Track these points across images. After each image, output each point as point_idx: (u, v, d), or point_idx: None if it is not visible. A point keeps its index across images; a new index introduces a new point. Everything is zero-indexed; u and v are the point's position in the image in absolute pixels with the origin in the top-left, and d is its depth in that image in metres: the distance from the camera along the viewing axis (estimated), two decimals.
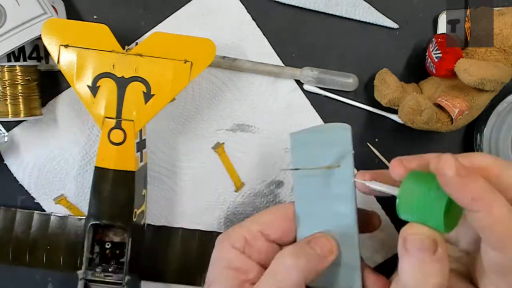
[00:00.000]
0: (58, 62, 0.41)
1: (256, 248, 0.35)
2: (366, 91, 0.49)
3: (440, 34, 0.46)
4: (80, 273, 0.42)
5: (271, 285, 0.32)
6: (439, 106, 0.44)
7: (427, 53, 0.45)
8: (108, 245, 0.44)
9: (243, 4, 0.47)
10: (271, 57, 0.48)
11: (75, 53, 0.41)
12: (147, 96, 0.41)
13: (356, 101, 0.48)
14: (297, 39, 0.48)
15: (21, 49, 0.44)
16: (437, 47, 0.43)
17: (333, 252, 0.33)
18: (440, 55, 0.43)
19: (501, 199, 0.27)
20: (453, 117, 0.43)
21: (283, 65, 0.48)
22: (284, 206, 0.36)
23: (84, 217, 0.47)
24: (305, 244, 0.33)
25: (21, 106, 0.44)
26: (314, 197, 0.35)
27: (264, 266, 0.34)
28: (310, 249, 0.33)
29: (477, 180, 0.27)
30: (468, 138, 0.50)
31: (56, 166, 0.48)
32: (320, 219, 0.35)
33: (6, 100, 0.44)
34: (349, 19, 0.48)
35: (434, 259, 0.28)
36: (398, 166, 0.32)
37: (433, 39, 0.45)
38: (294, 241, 0.36)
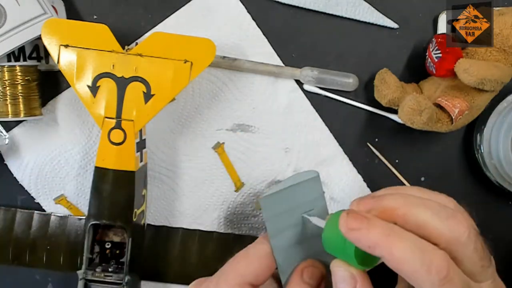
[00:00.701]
0: (58, 62, 0.41)
1: None
2: (366, 91, 0.49)
3: (440, 34, 0.46)
4: (80, 273, 0.42)
5: None
6: (439, 106, 0.44)
7: (427, 53, 0.46)
8: (108, 245, 0.44)
9: (243, 4, 0.47)
10: (271, 57, 0.48)
11: (75, 53, 0.41)
12: (147, 96, 0.41)
13: (356, 101, 0.48)
14: (297, 39, 0.48)
15: (21, 49, 0.44)
16: (437, 47, 0.43)
17: (325, 276, 0.34)
18: (440, 55, 0.43)
19: (402, 240, 0.28)
20: (453, 117, 0.43)
21: (283, 65, 0.48)
22: (262, 253, 0.34)
23: (84, 217, 0.47)
24: (300, 280, 0.33)
25: (21, 106, 0.44)
26: (292, 246, 0.35)
27: None
28: (308, 286, 0.33)
29: (372, 229, 0.29)
30: (468, 138, 0.50)
31: (56, 166, 0.48)
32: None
33: (6, 100, 0.44)
34: (349, 19, 0.48)
35: None
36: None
37: (433, 39, 0.45)
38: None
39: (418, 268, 0.28)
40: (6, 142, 0.47)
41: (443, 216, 0.30)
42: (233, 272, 0.34)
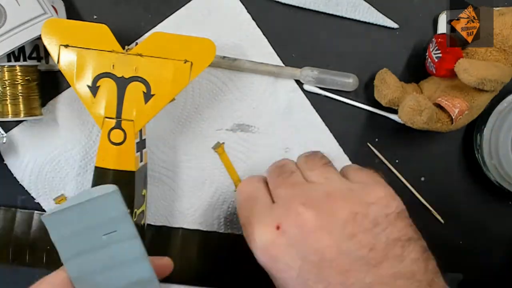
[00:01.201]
0: (58, 62, 0.41)
1: None
2: (366, 91, 0.49)
3: (440, 34, 0.46)
4: None
5: None
6: (439, 106, 0.44)
7: (427, 53, 0.46)
8: None
9: (243, 4, 0.47)
10: (271, 57, 0.48)
11: (75, 53, 0.41)
12: (147, 96, 0.41)
13: (356, 101, 0.48)
14: (297, 39, 0.48)
15: (21, 49, 0.44)
16: (437, 47, 0.43)
17: None
18: (440, 55, 0.43)
19: None
20: (453, 117, 0.43)
21: (283, 65, 0.48)
22: (57, 281, 0.32)
23: None
24: None
25: (21, 106, 0.44)
26: (98, 273, 0.31)
27: None
28: None
29: None
30: (468, 138, 0.50)
31: (56, 166, 0.48)
32: None
33: (6, 100, 0.44)
34: (349, 19, 0.48)
35: None
36: None
37: (433, 39, 0.45)
38: None
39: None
40: (4, 141, 0.47)
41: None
42: None
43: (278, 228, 0.34)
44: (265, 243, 0.34)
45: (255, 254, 0.36)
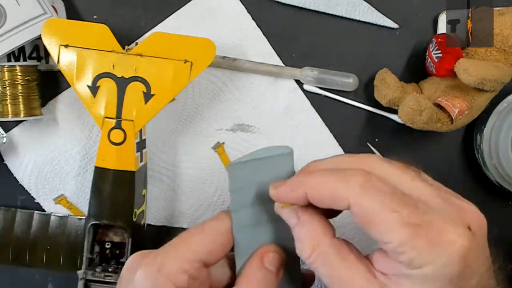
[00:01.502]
0: (58, 62, 0.41)
1: (199, 281, 0.31)
2: (366, 91, 0.49)
3: (440, 34, 0.46)
4: (80, 273, 0.42)
5: None
6: (439, 106, 0.44)
7: (427, 53, 0.45)
8: (108, 245, 0.44)
9: (243, 4, 0.47)
10: (271, 57, 0.48)
11: (75, 53, 0.41)
12: (147, 96, 0.41)
13: (356, 101, 0.48)
14: (297, 39, 0.48)
15: (21, 49, 0.44)
16: (437, 47, 0.43)
17: (283, 263, 0.32)
18: (440, 55, 0.43)
19: (319, 173, 0.30)
20: (453, 117, 0.43)
21: (283, 65, 0.48)
22: (225, 229, 0.32)
23: (84, 217, 0.47)
24: (261, 266, 0.31)
25: (21, 106, 0.44)
26: (254, 226, 0.33)
27: None
28: (268, 273, 0.31)
29: (294, 177, 0.31)
30: (468, 138, 0.50)
31: (56, 166, 0.48)
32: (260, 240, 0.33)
33: (6, 100, 0.44)
34: (349, 19, 0.48)
35: None
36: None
37: (433, 39, 0.45)
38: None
39: (335, 183, 0.28)
40: (4, 141, 0.47)
41: (352, 155, 0.32)
42: (184, 247, 0.31)
43: (469, 229, 0.28)
44: (464, 246, 0.27)
45: (440, 261, 0.27)
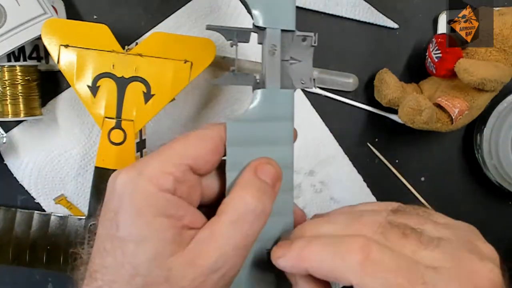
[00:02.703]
0: (58, 62, 0.41)
1: (187, 186, 0.29)
2: (366, 91, 0.49)
3: (440, 34, 0.46)
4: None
5: (238, 235, 0.28)
6: (439, 106, 0.44)
7: (427, 53, 0.46)
8: None
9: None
10: None
11: (75, 53, 0.41)
12: (147, 96, 0.41)
13: (356, 101, 0.48)
14: None
15: (21, 49, 0.44)
16: (437, 47, 0.43)
17: (280, 179, 0.31)
18: (440, 55, 0.43)
19: (313, 244, 0.28)
20: (453, 117, 0.43)
21: None
22: (211, 136, 0.30)
23: (84, 217, 0.47)
24: (254, 176, 0.30)
25: (21, 106, 0.44)
26: (249, 143, 0.32)
27: (192, 203, 0.30)
28: (264, 184, 0.30)
29: (291, 250, 0.29)
30: (468, 138, 0.50)
31: (56, 166, 0.48)
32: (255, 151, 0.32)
33: (6, 100, 0.44)
34: (349, 19, 0.48)
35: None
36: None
37: (433, 39, 0.45)
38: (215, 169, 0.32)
39: (332, 263, 0.26)
40: (4, 141, 0.47)
41: (336, 243, 0.28)
42: (168, 151, 0.29)
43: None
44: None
45: None
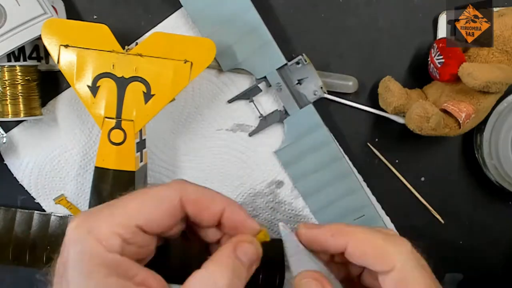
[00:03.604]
0: (58, 62, 0.41)
1: (136, 246, 0.28)
2: (366, 92, 0.49)
3: (441, 38, 0.45)
4: None
5: None
6: (445, 112, 0.44)
7: (429, 59, 0.45)
8: None
9: None
10: None
11: (75, 53, 0.41)
12: (147, 96, 0.41)
13: (356, 102, 0.48)
14: (297, 39, 0.48)
15: (21, 49, 0.44)
16: (439, 53, 0.43)
17: (258, 260, 0.30)
18: (443, 60, 0.43)
19: (362, 228, 0.30)
20: (460, 122, 0.43)
21: None
22: (169, 197, 0.30)
23: None
24: (233, 253, 0.29)
25: (21, 106, 0.44)
26: None
27: (143, 261, 0.30)
28: (240, 264, 0.29)
29: (331, 225, 0.31)
30: (468, 138, 0.50)
31: (56, 166, 0.48)
32: None
33: (6, 100, 0.44)
34: (349, 19, 0.48)
35: None
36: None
37: (434, 44, 0.44)
38: (175, 234, 0.32)
39: (383, 243, 0.29)
40: (4, 141, 0.47)
41: (384, 232, 0.31)
42: (120, 209, 0.28)
43: None
44: None
45: None
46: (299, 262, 0.31)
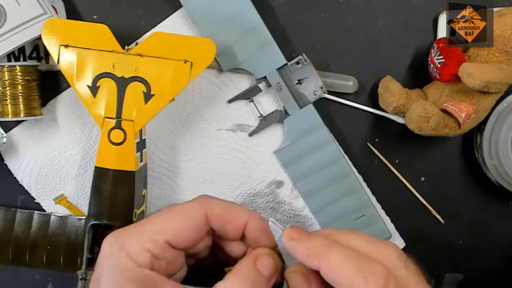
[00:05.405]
0: (58, 62, 0.41)
1: (165, 261, 0.31)
2: (366, 92, 0.49)
3: (441, 38, 0.45)
4: (80, 273, 0.42)
5: None
6: (445, 112, 0.44)
7: (429, 59, 0.45)
8: None
9: None
10: None
11: (75, 53, 0.41)
12: (147, 96, 0.41)
13: (356, 102, 0.48)
14: (297, 39, 0.48)
15: (21, 49, 0.44)
16: (439, 53, 0.43)
17: (277, 272, 0.31)
18: (443, 60, 0.43)
19: (340, 250, 0.29)
20: (461, 122, 0.43)
21: None
22: (195, 213, 0.32)
23: (84, 217, 0.47)
24: (253, 266, 0.31)
25: (21, 106, 0.44)
26: None
27: (172, 275, 0.32)
28: (260, 276, 0.30)
29: (312, 240, 0.30)
30: (468, 138, 0.50)
31: (56, 166, 0.48)
32: None
33: (6, 100, 0.44)
34: (349, 19, 0.48)
35: None
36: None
37: (434, 44, 0.44)
38: (203, 249, 0.34)
39: (354, 276, 0.27)
40: (4, 141, 0.47)
41: (371, 240, 0.30)
42: (149, 226, 0.31)
43: None
44: None
45: None
46: (290, 257, 0.31)
